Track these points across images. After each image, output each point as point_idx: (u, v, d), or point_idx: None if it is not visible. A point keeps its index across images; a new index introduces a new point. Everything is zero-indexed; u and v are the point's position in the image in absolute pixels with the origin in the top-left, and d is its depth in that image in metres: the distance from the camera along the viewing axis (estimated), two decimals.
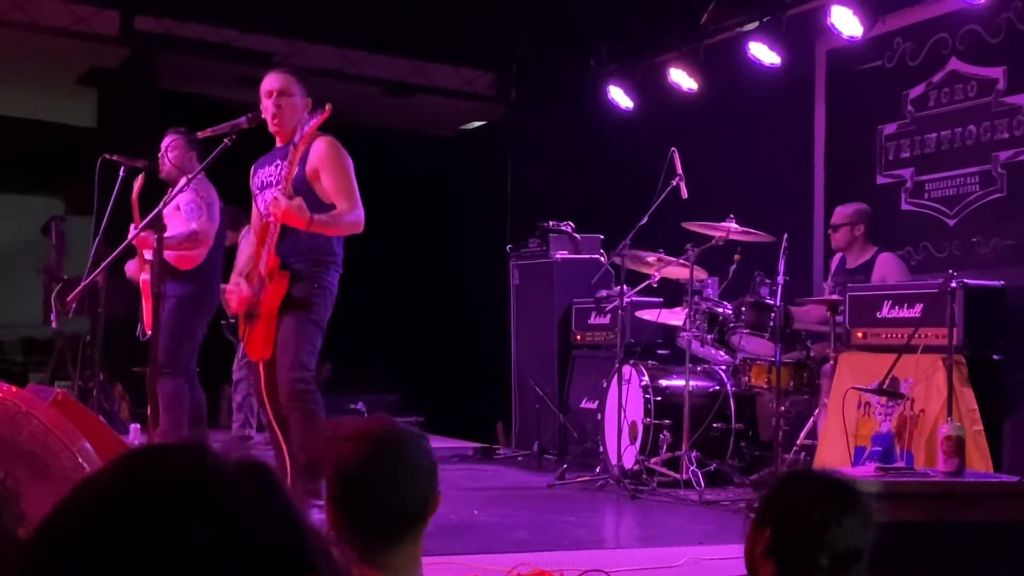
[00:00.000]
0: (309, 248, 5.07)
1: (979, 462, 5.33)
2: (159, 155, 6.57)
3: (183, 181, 5.65)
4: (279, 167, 5.13)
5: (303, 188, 5.05)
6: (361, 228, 5.16)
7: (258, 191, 5.29)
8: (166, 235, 6.20)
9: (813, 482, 2.38)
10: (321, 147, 5.12)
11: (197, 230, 6.38)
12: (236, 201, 7.24)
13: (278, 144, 5.28)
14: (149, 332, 6.30)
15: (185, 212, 6.42)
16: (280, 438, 5.13)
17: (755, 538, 2.23)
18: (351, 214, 5.08)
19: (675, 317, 7.43)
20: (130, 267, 6.66)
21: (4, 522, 2.91)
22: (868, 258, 6.98)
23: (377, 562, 2.18)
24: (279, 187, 5.00)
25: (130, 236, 5.58)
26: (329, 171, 5.09)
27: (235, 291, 5.23)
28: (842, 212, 7.10)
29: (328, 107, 4.98)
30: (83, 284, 5.80)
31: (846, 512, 2.21)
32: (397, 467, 2.21)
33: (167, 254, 6.21)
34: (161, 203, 5.41)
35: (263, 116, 5.20)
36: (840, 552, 2.16)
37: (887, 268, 6.87)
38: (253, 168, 5.39)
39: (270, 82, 5.22)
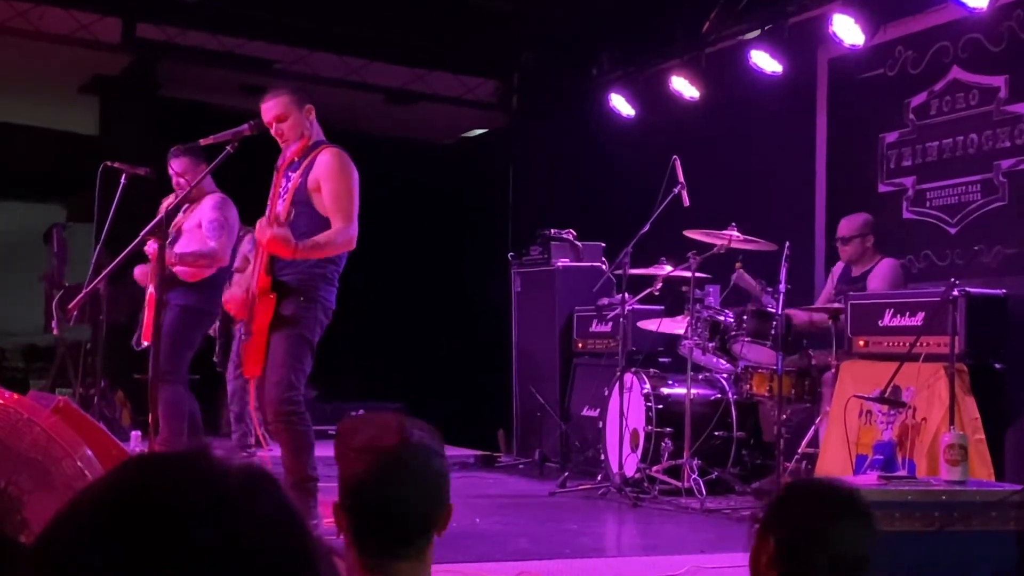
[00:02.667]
0: (301, 263, 5.04)
1: (981, 471, 5.33)
2: (173, 180, 6.53)
3: (205, 195, 5.74)
4: (288, 179, 5.16)
5: (303, 199, 5.04)
6: (353, 246, 5.11)
7: (273, 201, 5.28)
8: (185, 251, 6.25)
9: (817, 491, 2.38)
10: (326, 159, 5.10)
11: (216, 249, 6.35)
12: (240, 205, 7.24)
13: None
14: (146, 342, 6.32)
15: (207, 229, 6.40)
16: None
17: (760, 548, 2.23)
18: (342, 234, 5.03)
19: (677, 326, 7.43)
20: (138, 271, 6.63)
21: (7, 530, 2.91)
22: (871, 266, 6.99)
23: (384, 572, 2.18)
24: (267, 216, 4.99)
25: (140, 243, 5.55)
26: (329, 184, 5.06)
27: (229, 298, 5.24)
28: (850, 225, 7.07)
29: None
30: (84, 292, 5.80)
31: (850, 520, 2.21)
32: (407, 480, 2.19)
33: (179, 268, 6.24)
34: (163, 211, 5.39)
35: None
36: (845, 561, 2.17)
37: (879, 273, 6.90)
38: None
39: (266, 112, 5.18)
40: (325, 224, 5.05)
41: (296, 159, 5.20)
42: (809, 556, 2.18)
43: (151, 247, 5.85)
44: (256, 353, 5.03)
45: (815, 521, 2.21)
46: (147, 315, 6.40)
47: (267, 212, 5.22)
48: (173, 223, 6.41)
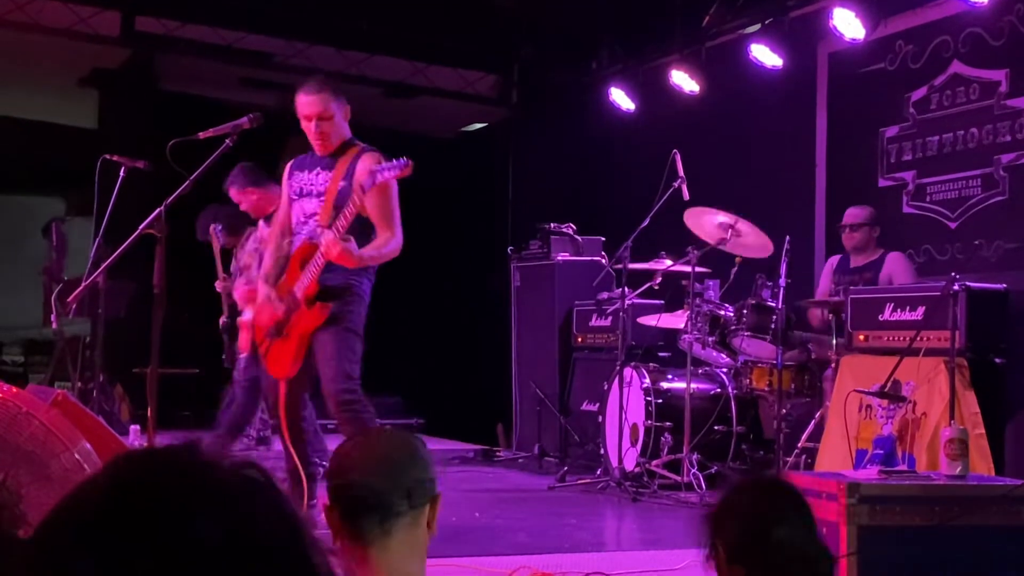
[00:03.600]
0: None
1: (981, 465, 5.32)
2: (241, 208, 7.23)
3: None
4: (319, 175, 5.14)
5: (347, 203, 4.99)
6: (398, 253, 5.15)
7: (296, 197, 5.25)
8: None
9: (752, 489, 2.42)
10: (369, 164, 5.04)
11: None
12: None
13: (319, 152, 5.21)
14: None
15: None
16: (294, 455, 5.12)
17: (715, 553, 2.26)
18: (392, 243, 5.08)
19: (676, 320, 7.42)
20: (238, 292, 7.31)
21: (4, 523, 2.90)
22: (876, 257, 6.99)
23: (372, 559, 2.20)
24: (334, 229, 4.93)
25: (139, 237, 5.55)
26: (374, 191, 5.00)
27: (267, 307, 5.18)
28: (859, 213, 7.08)
29: (409, 164, 4.85)
30: (83, 285, 5.78)
31: (787, 513, 2.24)
32: (376, 449, 2.31)
33: None
34: (163, 206, 5.37)
35: (306, 135, 5.19)
36: (791, 553, 2.19)
37: (896, 267, 6.87)
38: (288, 169, 5.32)
39: (308, 106, 5.10)
40: (368, 226, 5.06)
41: (327, 156, 5.17)
42: (755, 552, 2.20)
43: (244, 294, 6.94)
44: (295, 356, 5.06)
45: (752, 518, 2.24)
46: (243, 337, 7.10)
47: (296, 209, 5.20)
48: (255, 237, 7.21)
